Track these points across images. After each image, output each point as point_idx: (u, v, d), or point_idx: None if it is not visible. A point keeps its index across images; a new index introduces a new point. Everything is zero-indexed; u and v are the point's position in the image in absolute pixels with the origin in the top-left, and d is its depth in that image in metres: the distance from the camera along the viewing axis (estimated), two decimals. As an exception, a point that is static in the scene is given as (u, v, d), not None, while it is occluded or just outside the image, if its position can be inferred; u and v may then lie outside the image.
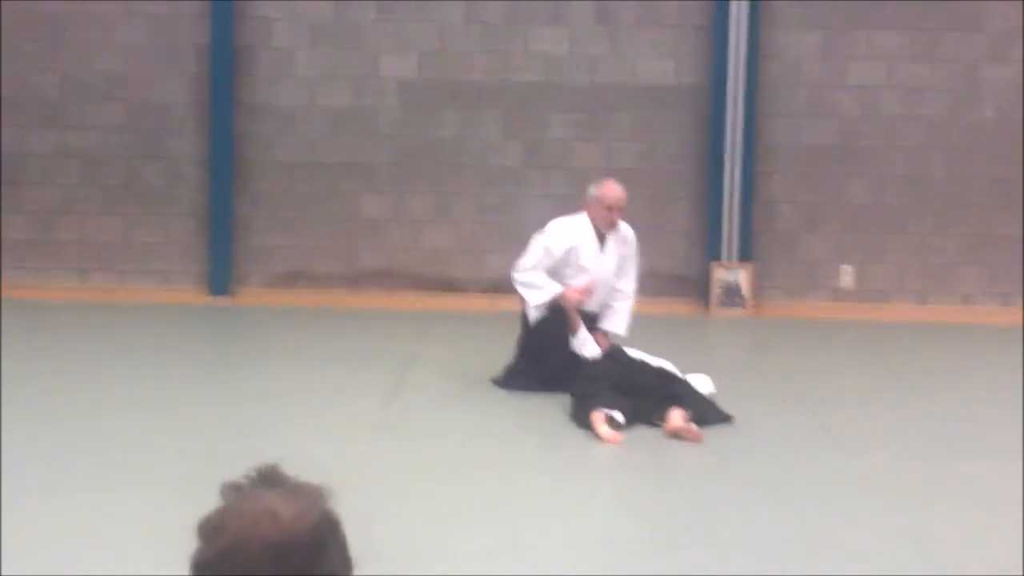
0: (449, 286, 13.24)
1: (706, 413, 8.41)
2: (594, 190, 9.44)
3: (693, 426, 8.09)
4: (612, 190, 9.39)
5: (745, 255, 13.02)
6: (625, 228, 9.57)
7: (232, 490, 2.07)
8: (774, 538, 6.37)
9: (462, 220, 13.24)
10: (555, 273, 9.31)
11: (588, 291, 9.28)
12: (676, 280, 13.14)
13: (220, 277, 13.13)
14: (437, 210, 13.24)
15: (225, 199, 13.12)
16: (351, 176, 13.20)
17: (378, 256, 13.26)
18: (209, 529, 2.03)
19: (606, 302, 9.56)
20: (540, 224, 9.64)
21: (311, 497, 2.07)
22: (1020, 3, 12.92)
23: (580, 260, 9.35)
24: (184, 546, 2.04)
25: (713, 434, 8.18)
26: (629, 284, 9.64)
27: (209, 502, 2.09)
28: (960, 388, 9.86)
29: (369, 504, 6.59)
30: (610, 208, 9.34)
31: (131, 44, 13.12)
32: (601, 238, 9.44)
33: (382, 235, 13.25)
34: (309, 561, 2.01)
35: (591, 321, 9.42)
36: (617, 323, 9.55)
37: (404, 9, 13.08)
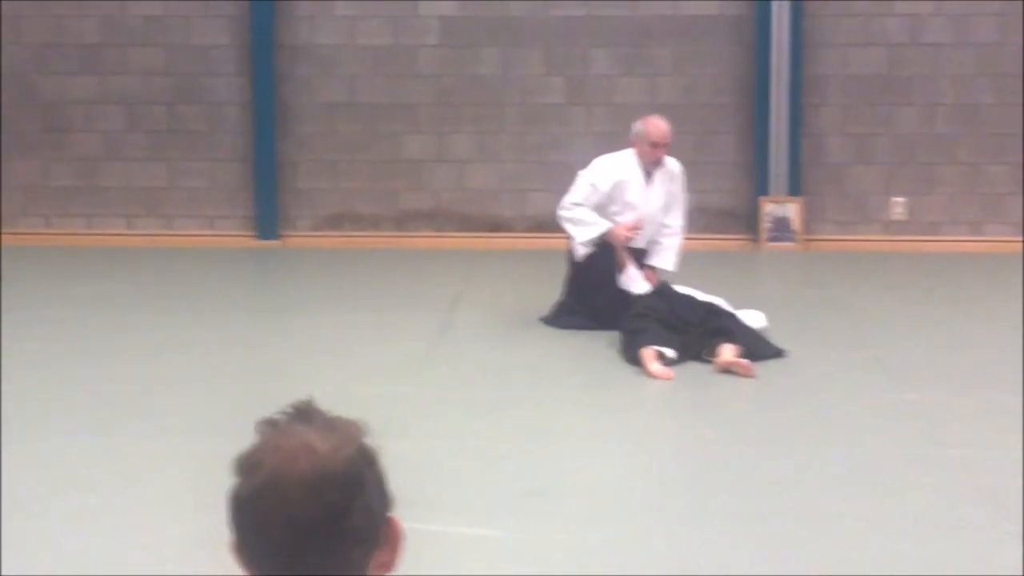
0: (494, 225, 13.17)
1: (757, 347, 8.32)
2: (639, 127, 9.32)
3: (744, 361, 8.01)
4: (656, 127, 9.26)
5: (794, 189, 12.86)
6: (672, 163, 9.45)
7: (268, 426, 2.05)
8: (827, 475, 6.29)
9: (505, 159, 13.14)
10: (602, 210, 9.22)
11: (636, 227, 9.18)
12: (724, 215, 13.01)
13: (266, 221, 13.12)
14: (480, 149, 13.14)
15: (268, 143, 13.08)
16: (392, 117, 13.11)
17: (422, 197, 13.19)
18: (245, 465, 2.01)
19: (654, 238, 9.46)
20: (584, 162, 9.54)
21: (347, 431, 2.04)
22: (1072, -75, 12.64)
23: (627, 196, 9.25)
24: (226, 485, 2.00)
25: (765, 369, 8.10)
26: (677, 219, 9.53)
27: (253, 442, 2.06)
28: (1016, 320, 9.70)
29: (416, 445, 6.57)
30: (655, 145, 9.23)
31: (169, -13, 13.06)
32: (648, 174, 9.34)
33: (425, 176, 13.18)
34: (346, 495, 1.98)
35: (639, 257, 9.34)
36: (665, 259, 9.46)
37: (443, -55, 12.94)
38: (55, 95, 13.19)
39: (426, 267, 11.90)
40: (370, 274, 11.55)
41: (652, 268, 9.37)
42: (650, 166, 9.31)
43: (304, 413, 2.05)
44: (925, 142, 12.96)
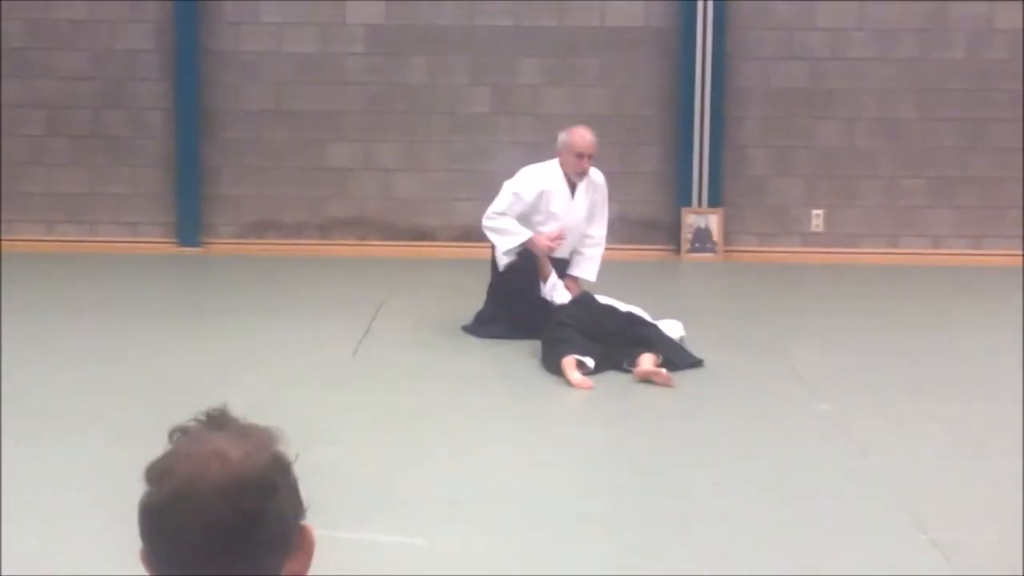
0: (419, 234, 13.19)
1: (676, 357, 8.40)
2: (564, 137, 9.38)
3: (663, 370, 8.09)
4: (582, 137, 9.32)
5: (715, 200, 12.99)
6: (596, 173, 9.51)
7: (180, 433, 2.05)
8: (744, 482, 6.37)
9: (431, 168, 13.17)
10: (525, 219, 9.27)
11: (558, 237, 9.23)
12: (646, 225, 13.11)
13: (189, 227, 13.06)
14: (406, 158, 13.16)
15: (192, 148, 13.03)
16: (319, 124, 13.11)
17: (347, 205, 13.19)
18: (157, 473, 2.01)
19: (576, 248, 9.53)
20: (510, 171, 9.59)
21: (260, 438, 2.04)
22: (990, -57, 12.86)
23: (550, 206, 9.31)
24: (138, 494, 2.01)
25: (683, 378, 8.17)
26: (599, 230, 9.60)
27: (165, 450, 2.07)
28: (931, 329, 9.87)
29: (336, 452, 6.58)
30: (580, 156, 9.28)
31: (94, -9, 12.98)
32: (571, 184, 9.39)
33: (351, 183, 13.18)
34: (259, 503, 1.98)
35: (561, 267, 9.39)
36: (587, 269, 9.53)
37: (371, -47, 12.96)
38: (-24, 98, 13.05)
39: (350, 275, 11.88)
40: (293, 282, 11.51)
41: (574, 278, 9.44)
42: (574, 176, 9.36)
43: (217, 420, 2.05)
44: (845, 155, 13.13)
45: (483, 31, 13.03)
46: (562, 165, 9.36)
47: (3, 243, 12.84)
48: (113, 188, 13.17)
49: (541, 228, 9.26)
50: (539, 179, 9.33)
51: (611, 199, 9.81)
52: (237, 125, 13.13)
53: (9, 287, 10.91)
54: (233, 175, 13.17)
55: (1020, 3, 12.83)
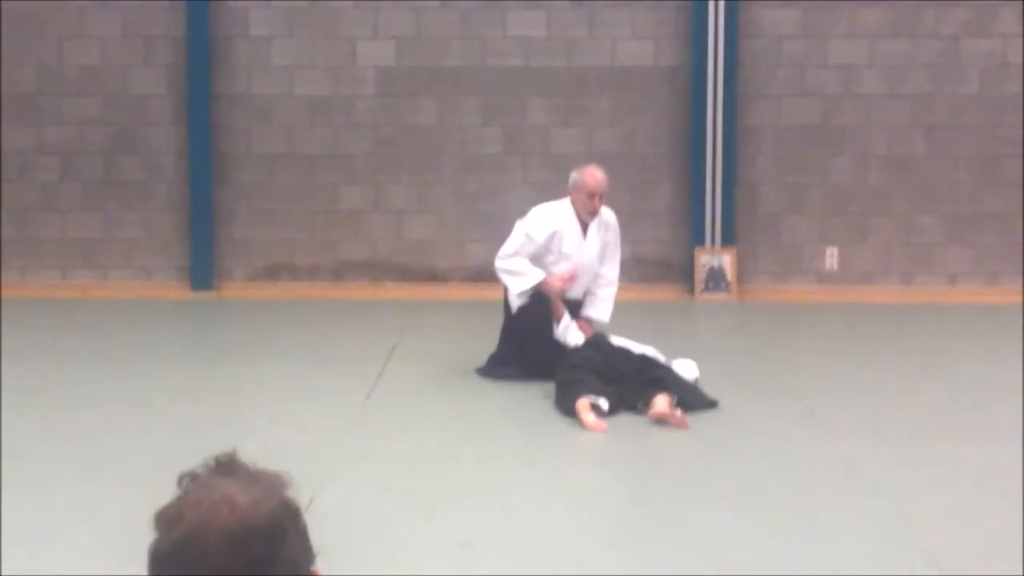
0: (432, 276, 13.17)
1: (691, 399, 8.35)
2: (576, 176, 9.35)
3: (678, 412, 8.03)
4: (594, 177, 9.29)
5: (728, 239, 12.95)
6: (608, 213, 9.48)
7: (189, 479, 2.02)
8: (761, 525, 6.31)
9: (443, 209, 13.16)
10: (537, 260, 9.23)
11: (571, 278, 9.19)
12: (660, 265, 13.07)
13: (202, 271, 13.05)
14: (418, 199, 13.16)
15: (205, 192, 13.04)
16: (330, 167, 13.12)
17: (360, 247, 13.18)
18: (166, 519, 1.99)
19: (590, 289, 9.48)
20: (522, 211, 9.56)
21: (269, 484, 2.02)
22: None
23: (562, 247, 9.27)
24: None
25: (698, 420, 8.12)
26: (612, 270, 9.55)
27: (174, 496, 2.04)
28: (947, 369, 9.80)
29: (350, 496, 6.54)
30: (592, 195, 9.25)
31: (106, 37, 13.03)
32: (583, 224, 9.36)
33: (363, 226, 13.18)
34: (268, 549, 1.96)
35: (574, 308, 9.35)
36: (601, 310, 9.48)
37: (380, -6, 13.00)
38: (-11, 145, 13.09)
39: (363, 318, 11.86)
40: (306, 325, 11.49)
41: (587, 319, 9.39)
42: (586, 216, 9.33)
43: (226, 466, 2.04)
44: (858, 192, 13.09)
45: (493, 72, 13.04)
46: (574, 204, 9.33)
47: (18, 289, 12.84)
48: (126, 233, 13.18)
49: (553, 268, 9.22)
50: (551, 219, 9.30)
51: (623, 239, 9.77)
52: (249, 168, 13.14)
53: (24, 333, 10.90)
54: (246, 219, 13.17)
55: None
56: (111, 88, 13.07)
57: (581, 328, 9.19)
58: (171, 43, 13.01)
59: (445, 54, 13.03)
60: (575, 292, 9.36)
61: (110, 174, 13.16)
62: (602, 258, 9.48)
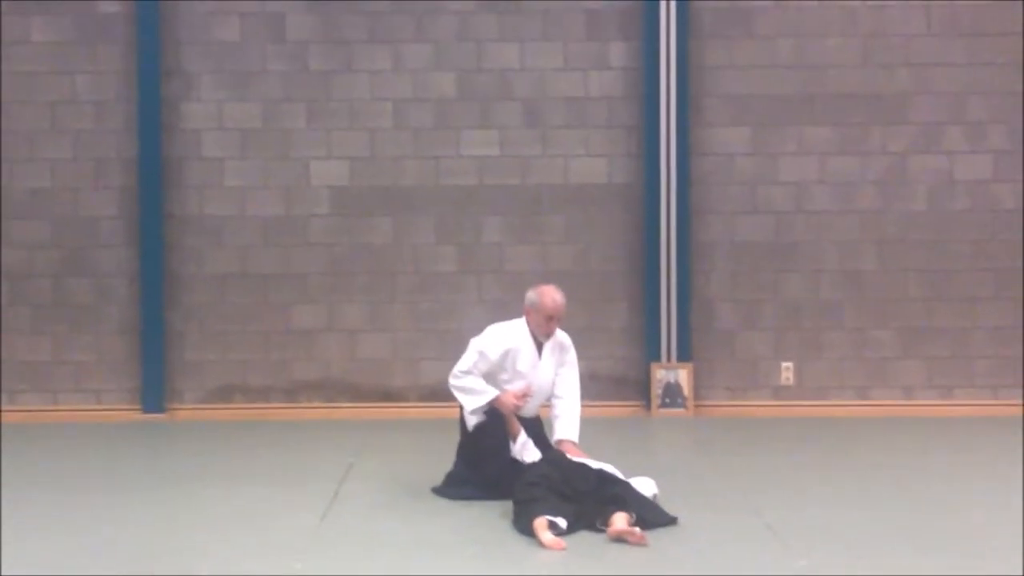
0: (386, 395, 13.09)
1: (650, 515, 8.26)
2: (533, 297, 9.31)
3: (637, 529, 7.94)
4: (552, 299, 9.24)
5: (684, 354, 12.96)
6: (562, 335, 9.45)
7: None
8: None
9: (397, 328, 13.12)
10: (492, 378, 9.18)
11: (525, 396, 9.14)
12: (616, 381, 13.05)
13: (153, 394, 12.94)
14: (371, 318, 13.12)
15: (156, 314, 12.96)
16: (283, 286, 13.08)
17: (313, 367, 13.11)
18: None
19: (557, 411, 9.36)
20: (477, 330, 9.52)
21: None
22: (944, 95, 13.05)
23: (517, 365, 9.23)
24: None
25: (657, 537, 8.03)
26: (573, 390, 9.46)
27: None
28: (905, 482, 9.77)
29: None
30: (549, 318, 9.23)
31: (57, 160, 13.00)
32: (538, 344, 9.33)
33: (317, 345, 13.12)
34: None
35: (529, 426, 9.26)
36: (572, 430, 9.37)
37: (334, 115, 13.06)
38: (-64, 268, 13.00)
39: (317, 438, 11.76)
40: (260, 447, 11.38)
41: (573, 442, 9.26)
42: (542, 337, 9.31)
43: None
44: (811, 307, 13.15)
45: (447, 190, 13.08)
46: (529, 324, 9.30)
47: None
48: (76, 356, 13.06)
49: (508, 387, 9.17)
50: (505, 338, 9.26)
51: (581, 356, 9.72)
52: (201, 289, 13.09)
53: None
54: (197, 340, 13.09)
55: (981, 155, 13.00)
56: (62, 211, 13.02)
57: (567, 450, 9.07)
58: (123, 165, 13.00)
59: (399, 173, 13.07)
60: (529, 410, 9.29)
61: (60, 297, 13.06)
62: (560, 380, 9.42)
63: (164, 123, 12.96)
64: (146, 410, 12.94)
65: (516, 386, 9.16)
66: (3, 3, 13.01)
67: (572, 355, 9.52)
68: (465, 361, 9.18)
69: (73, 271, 13.06)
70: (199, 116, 13.05)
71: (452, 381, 9.22)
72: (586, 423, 9.73)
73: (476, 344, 9.24)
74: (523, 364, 9.24)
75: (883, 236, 13.14)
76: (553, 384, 9.39)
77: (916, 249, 13.13)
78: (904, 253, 13.15)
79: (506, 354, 9.20)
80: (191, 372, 13.10)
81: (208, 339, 13.10)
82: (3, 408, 12.96)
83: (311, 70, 13.10)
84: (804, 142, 13.13)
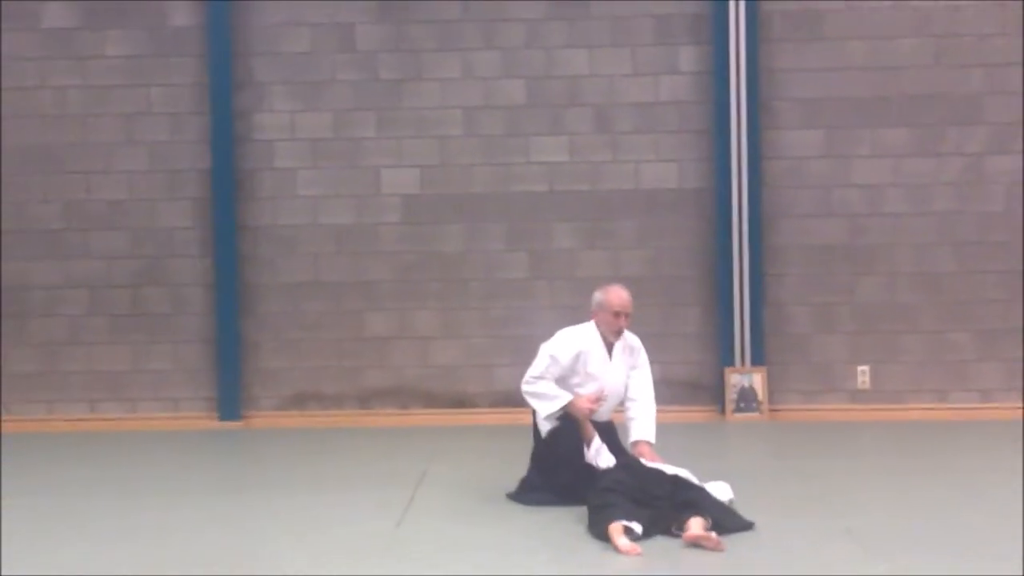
0: (459, 402, 13.12)
1: (726, 520, 8.21)
2: (599, 296, 9.32)
3: (713, 534, 7.90)
4: (618, 296, 9.27)
5: (758, 358, 12.89)
6: (631, 337, 9.43)
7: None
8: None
9: (470, 334, 13.15)
10: (564, 382, 9.17)
11: (598, 399, 9.12)
12: (690, 386, 13.01)
13: (229, 402, 13.06)
14: (443, 325, 13.16)
15: (231, 323, 13.08)
16: (355, 294, 13.15)
17: (386, 374, 13.16)
18: None
19: (637, 415, 9.32)
20: (548, 335, 9.52)
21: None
22: (1020, 96, 12.91)
23: (588, 367, 9.21)
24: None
25: (734, 542, 7.98)
26: (647, 392, 9.43)
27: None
28: (986, 487, 9.66)
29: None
30: (617, 314, 9.22)
31: (133, 172, 13.16)
32: (609, 345, 9.31)
33: (389, 353, 13.17)
34: None
35: (603, 430, 9.25)
36: (649, 431, 9.34)
37: (404, 124, 13.12)
38: (15, 280, 13.17)
39: (391, 445, 11.80)
40: (335, 453, 11.44)
41: (648, 444, 9.23)
42: (612, 336, 9.28)
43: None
44: (887, 310, 13.04)
45: (518, 197, 13.09)
46: (598, 325, 9.28)
47: (45, 424, 12.85)
48: (154, 365, 13.20)
49: (579, 390, 9.15)
50: (575, 340, 9.26)
51: (653, 360, 9.69)
52: (275, 298, 13.19)
53: (52, 467, 10.86)
54: (272, 348, 13.19)
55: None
56: (138, 222, 13.17)
57: (643, 453, 9.05)
58: (198, 176, 13.12)
59: (469, 181, 13.10)
60: (603, 414, 9.28)
61: (137, 307, 13.21)
62: (633, 383, 9.39)
63: (237, 134, 13.08)
64: (222, 418, 13.06)
65: (588, 389, 9.14)
66: (79, 19, 13.17)
67: (643, 357, 9.49)
68: (537, 366, 9.18)
69: (150, 281, 13.21)
70: (271, 127, 13.16)
71: (525, 387, 9.22)
72: (660, 428, 9.71)
73: (547, 349, 9.24)
74: (594, 366, 9.22)
75: (959, 238, 13.02)
76: (626, 387, 9.37)
77: (993, 250, 12.99)
78: (981, 255, 13.01)
79: (577, 356, 9.19)
80: (266, 380, 13.20)
81: (282, 347, 13.19)
82: (84, 417, 13.11)
83: (381, 79, 13.17)
84: (878, 144, 13.03)
